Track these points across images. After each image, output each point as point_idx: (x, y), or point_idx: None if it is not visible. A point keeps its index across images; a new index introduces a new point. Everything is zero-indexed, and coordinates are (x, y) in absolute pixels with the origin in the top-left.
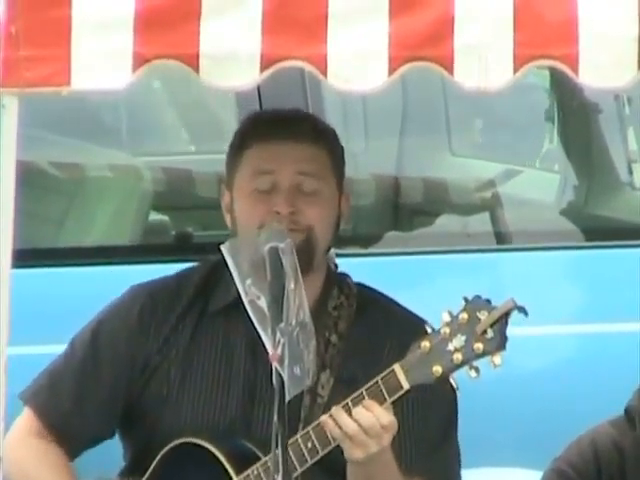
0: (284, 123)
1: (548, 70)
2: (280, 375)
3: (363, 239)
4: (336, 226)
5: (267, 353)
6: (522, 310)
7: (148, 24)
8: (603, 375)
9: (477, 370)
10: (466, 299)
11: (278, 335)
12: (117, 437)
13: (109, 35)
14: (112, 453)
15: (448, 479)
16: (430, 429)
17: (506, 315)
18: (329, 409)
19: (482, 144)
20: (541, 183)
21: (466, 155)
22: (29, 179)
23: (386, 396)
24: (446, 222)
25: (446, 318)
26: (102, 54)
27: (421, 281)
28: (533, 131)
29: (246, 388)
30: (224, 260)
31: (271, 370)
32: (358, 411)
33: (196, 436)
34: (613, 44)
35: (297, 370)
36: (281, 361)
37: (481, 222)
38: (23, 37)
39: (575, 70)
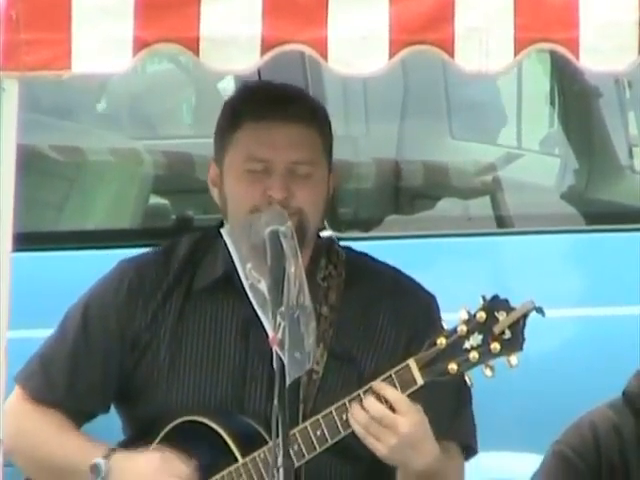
0: (277, 102)
1: (549, 54)
2: (281, 358)
3: (364, 223)
4: (326, 205)
5: (259, 330)
6: (540, 311)
7: (148, 8)
8: (603, 358)
9: (492, 369)
10: (484, 298)
11: (279, 318)
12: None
13: (109, 19)
14: (111, 425)
15: (469, 442)
16: (444, 397)
17: (524, 316)
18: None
19: (482, 127)
20: (542, 167)
21: (467, 139)
22: (29, 163)
23: (399, 391)
24: (447, 206)
25: (463, 316)
26: (102, 38)
27: (422, 265)
28: (534, 115)
29: (237, 365)
30: (208, 235)
31: (263, 347)
32: (369, 400)
33: (189, 414)
34: (614, 28)
35: (297, 353)
36: (282, 344)
37: (482, 206)
38: (23, 21)
39: (576, 54)
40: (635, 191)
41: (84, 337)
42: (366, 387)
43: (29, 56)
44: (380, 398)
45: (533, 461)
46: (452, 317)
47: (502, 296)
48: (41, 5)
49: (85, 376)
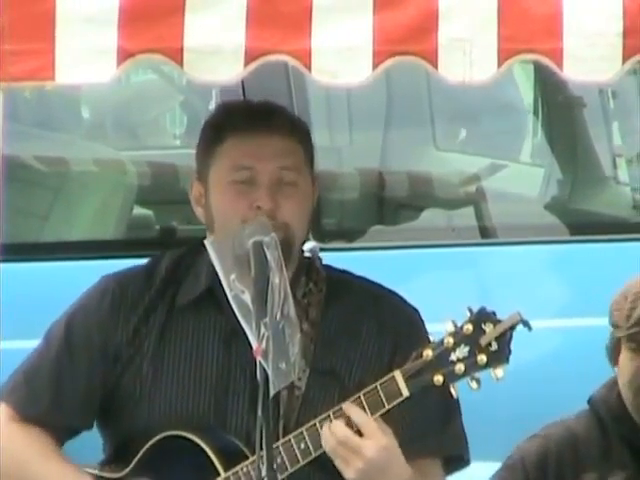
0: (259, 115)
1: (532, 64)
2: (265, 369)
3: (348, 233)
4: (310, 219)
5: (241, 343)
6: (526, 324)
7: (132, 18)
8: (587, 369)
9: (478, 382)
10: (470, 310)
11: (262, 329)
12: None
13: (93, 29)
14: (91, 444)
15: (457, 453)
16: (429, 412)
17: (511, 329)
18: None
19: (466, 138)
20: (526, 177)
21: (450, 149)
22: (14, 173)
23: (385, 402)
24: (430, 216)
25: (450, 328)
26: (86, 48)
27: (406, 275)
28: (517, 125)
29: (219, 379)
30: (191, 250)
31: (245, 361)
32: (336, 423)
33: (172, 429)
34: (598, 38)
35: (282, 364)
36: (265, 355)
37: (465, 216)
38: (7, 31)
39: (560, 64)
40: (619, 201)
41: (67, 350)
42: (337, 408)
43: (13, 66)
44: (349, 421)
45: None
46: (436, 328)
47: (487, 307)
48: (25, 16)
49: (69, 389)
